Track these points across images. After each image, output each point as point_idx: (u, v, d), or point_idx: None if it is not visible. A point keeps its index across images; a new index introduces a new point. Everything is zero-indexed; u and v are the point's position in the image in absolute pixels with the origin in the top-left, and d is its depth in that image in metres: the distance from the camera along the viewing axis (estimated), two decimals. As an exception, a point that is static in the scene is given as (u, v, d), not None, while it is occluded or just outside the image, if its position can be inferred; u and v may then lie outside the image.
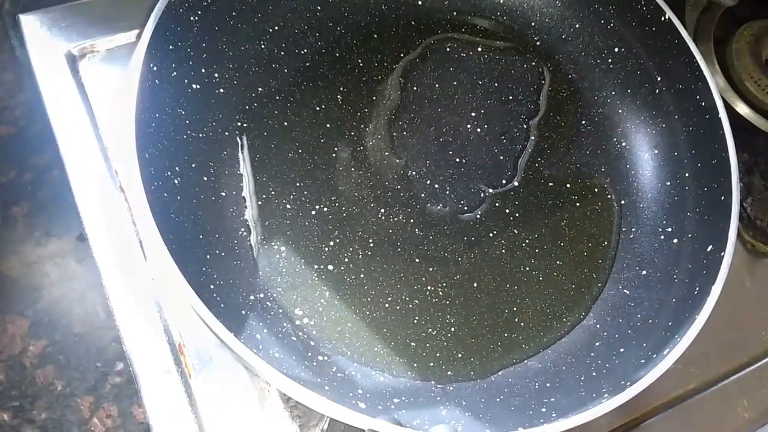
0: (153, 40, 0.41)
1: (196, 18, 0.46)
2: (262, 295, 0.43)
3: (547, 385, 0.43)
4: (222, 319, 0.35)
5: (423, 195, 0.48)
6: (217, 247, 0.43)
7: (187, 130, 0.45)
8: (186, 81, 0.46)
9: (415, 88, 0.52)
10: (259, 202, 0.46)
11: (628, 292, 0.48)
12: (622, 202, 0.51)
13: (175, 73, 0.45)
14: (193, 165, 0.45)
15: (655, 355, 0.40)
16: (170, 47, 0.44)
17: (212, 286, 0.40)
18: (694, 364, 0.48)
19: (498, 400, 0.42)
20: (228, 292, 0.42)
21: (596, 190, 0.51)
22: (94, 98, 0.48)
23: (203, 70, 0.47)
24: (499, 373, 0.44)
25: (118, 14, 0.50)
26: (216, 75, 0.48)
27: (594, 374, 0.42)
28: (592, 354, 0.44)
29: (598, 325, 0.46)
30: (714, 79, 0.51)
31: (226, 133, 0.48)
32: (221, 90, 0.48)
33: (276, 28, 0.52)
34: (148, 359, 0.42)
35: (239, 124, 0.48)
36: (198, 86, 0.47)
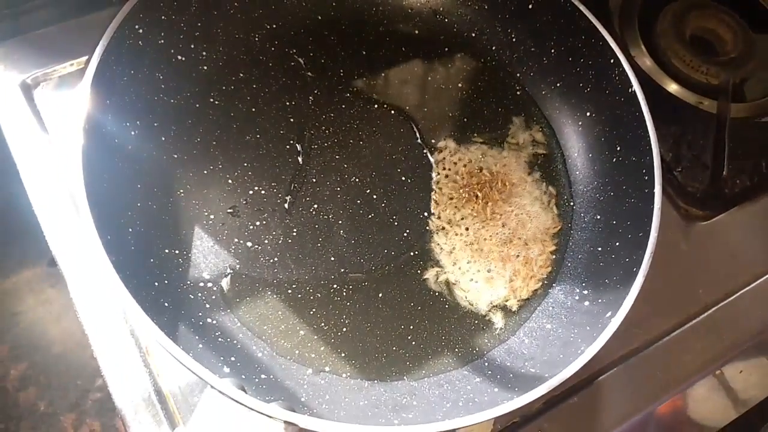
0: (140, 5, 0.46)
1: (195, -2, 0.51)
2: (177, 252, 0.46)
3: (414, 403, 0.43)
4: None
5: (359, 201, 0.51)
6: (150, 198, 0.46)
7: (159, 93, 0.50)
8: (172, 51, 0.51)
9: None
10: (205, 171, 0.50)
11: (549, 326, 0.48)
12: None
13: (162, 41, 0.50)
14: (155, 123, 0.49)
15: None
16: (162, 17, 0.49)
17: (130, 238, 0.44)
18: (637, 325, 0.50)
19: (363, 403, 0.43)
20: (149, 244, 0.45)
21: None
22: (50, 124, 0.50)
23: (192, 46, 0.52)
24: (375, 381, 0.45)
25: (68, 42, 0.52)
26: (204, 53, 0.53)
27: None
28: (469, 387, 0.44)
29: (487, 364, 0.46)
30: (642, 61, 0.58)
31: (197, 105, 0.52)
32: (205, 67, 0.53)
33: (274, 26, 0.56)
34: (125, 379, 0.43)
35: (212, 100, 0.52)
36: (183, 58, 0.52)
